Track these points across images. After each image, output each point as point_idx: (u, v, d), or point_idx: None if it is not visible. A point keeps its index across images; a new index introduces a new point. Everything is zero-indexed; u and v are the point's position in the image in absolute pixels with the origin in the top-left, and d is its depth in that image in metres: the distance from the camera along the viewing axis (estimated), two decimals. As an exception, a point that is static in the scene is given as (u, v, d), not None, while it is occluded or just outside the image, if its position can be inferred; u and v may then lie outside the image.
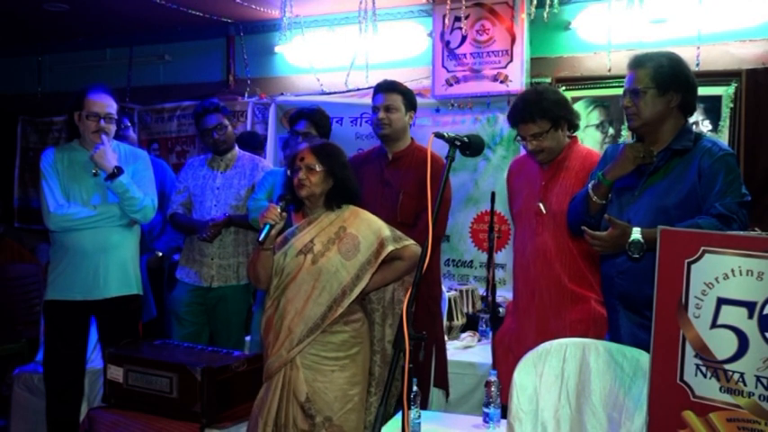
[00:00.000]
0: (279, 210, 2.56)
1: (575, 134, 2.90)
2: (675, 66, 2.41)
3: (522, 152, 3.11)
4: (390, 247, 2.62)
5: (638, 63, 2.45)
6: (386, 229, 2.66)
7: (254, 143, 4.54)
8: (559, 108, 2.78)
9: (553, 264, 2.75)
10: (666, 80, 2.38)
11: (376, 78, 4.87)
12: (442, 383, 3.32)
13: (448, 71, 4.54)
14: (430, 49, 4.64)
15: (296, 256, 2.61)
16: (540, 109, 2.74)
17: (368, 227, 2.64)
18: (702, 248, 1.72)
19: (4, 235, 5.47)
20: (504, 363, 2.85)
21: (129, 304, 3.33)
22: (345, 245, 2.59)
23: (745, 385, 1.67)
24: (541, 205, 2.78)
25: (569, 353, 2.24)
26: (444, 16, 4.38)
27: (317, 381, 2.56)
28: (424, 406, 2.94)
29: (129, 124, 4.25)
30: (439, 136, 2.13)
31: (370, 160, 3.35)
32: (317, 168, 2.61)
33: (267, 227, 2.53)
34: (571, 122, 2.85)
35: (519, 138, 2.83)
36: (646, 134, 2.46)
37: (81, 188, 3.25)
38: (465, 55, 4.48)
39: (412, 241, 2.69)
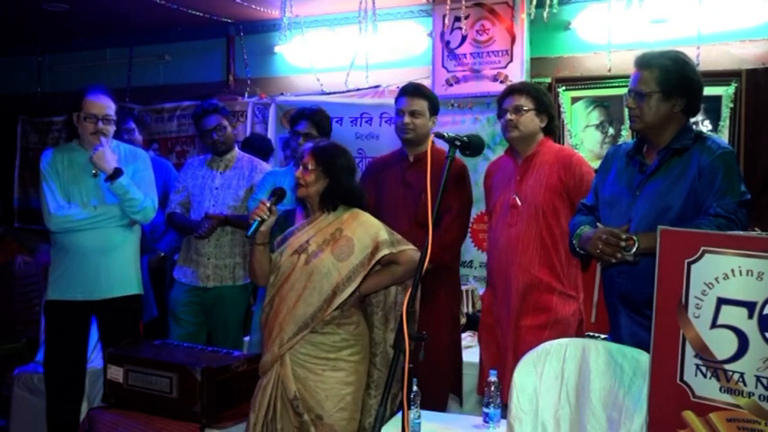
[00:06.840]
0: (268, 205, 2.58)
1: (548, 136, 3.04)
2: (682, 70, 2.37)
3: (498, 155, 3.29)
4: (386, 251, 2.58)
5: (644, 63, 2.40)
6: (384, 233, 2.62)
7: (263, 146, 4.51)
8: (548, 99, 3.02)
9: (524, 252, 2.87)
10: (672, 85, 2.35)
11: (376, 78, 4.92)
12: (456, 390, 3.28)
13: (448, 71, 4.54)
14: (430, 49, 4.64)
15: (290, 256, 2.62)
16: (533, 89, 3.00)
17: (364, 230, 2.61)
18: (702, 248, 1.72)
19: (4, 235, 5.46)
20: (487, 351, 3.02)
21: (129, 304, 3.34)
22: (340, 247, 2.57)
23: (745, 385, 1.67)
24: (516, 197, 2.91)
25: (569, 353, 2.24)
26: (444, 16, 4.39)
27: (309, 379, 2.56)
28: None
29: (134, 126, 4.23)
30: (439, 136, 2.14)
31: (391, 163, 3.35)
32: (310, 167, 2.61)
33: (255, 222, 2.56)
34: (550, 120, 2.99)
35: (500, 113, 2.98)
36: (647, 135, 2.45)
37: (81, 189, 3.25)
38: (465, 55, 4.49)
39: (410, 246, 2.65)
